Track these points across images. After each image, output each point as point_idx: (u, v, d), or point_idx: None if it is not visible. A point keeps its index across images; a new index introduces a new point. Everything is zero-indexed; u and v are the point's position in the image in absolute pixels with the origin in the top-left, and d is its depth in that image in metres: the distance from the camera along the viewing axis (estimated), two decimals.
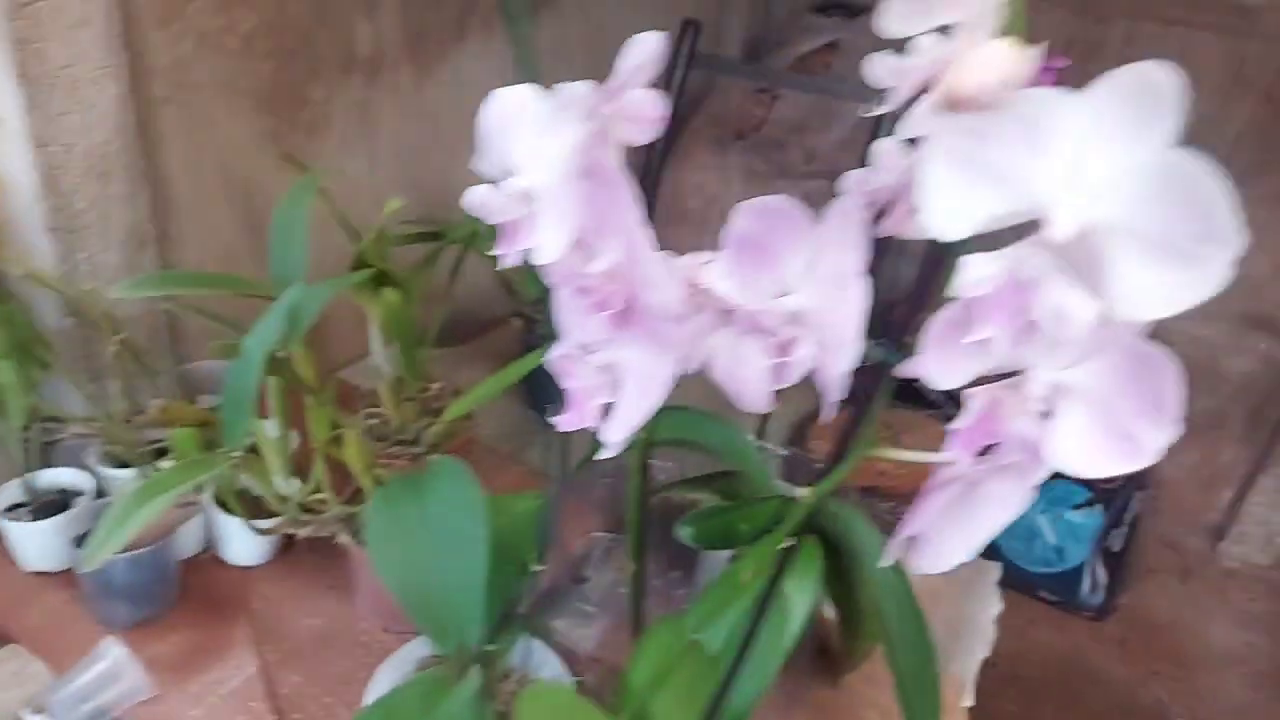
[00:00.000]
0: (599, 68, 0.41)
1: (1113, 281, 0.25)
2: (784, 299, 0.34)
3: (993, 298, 0.26)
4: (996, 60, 0.23)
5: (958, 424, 0.30)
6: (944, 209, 0.25)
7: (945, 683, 0.95)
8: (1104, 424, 0.28)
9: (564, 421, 0.42)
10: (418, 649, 0.76)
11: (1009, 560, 1.68)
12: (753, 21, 1.88)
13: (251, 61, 1.05)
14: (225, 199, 1.06)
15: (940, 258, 0.27)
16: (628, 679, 0.58)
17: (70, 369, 0.89)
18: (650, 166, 1.62)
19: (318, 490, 0.81)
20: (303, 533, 0.80)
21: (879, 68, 0.33)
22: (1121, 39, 1.64)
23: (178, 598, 0.86)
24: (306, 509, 0.83)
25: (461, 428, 0.91)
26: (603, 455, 0.42)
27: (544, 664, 0.75)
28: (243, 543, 0.87)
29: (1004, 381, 0.30)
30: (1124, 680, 1.53)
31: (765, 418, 0.80)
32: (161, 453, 0.87)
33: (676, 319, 0.37)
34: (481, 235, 0.99)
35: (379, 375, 0.89)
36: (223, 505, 0.85)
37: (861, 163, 0.38)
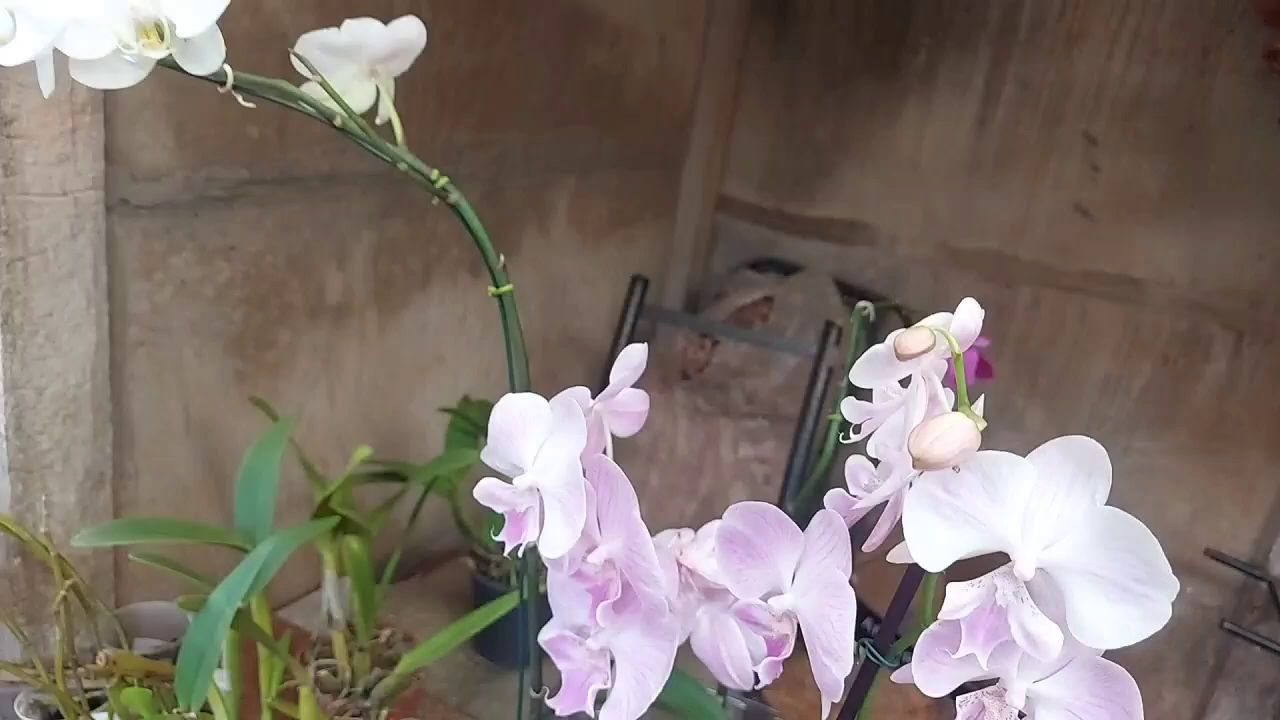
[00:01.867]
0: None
1: (1074, 613, 0.29)
2: (779, 598, 0.37)
3: (974, 620, 0.30)
4: (955, 433, 0.28)
5: None
6: (925, 545, 0.30)
7: None
8: None
9: (562, 704, 0.43)
10: None
11: None
12: (693, 276, 2.04)
13: (224, 308, 1.10)
14: (186, 437, 1.07)
15: (918, 576, 0.31)
16: None
17: (9, 612, 0.85)
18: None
19: None
20: None
21: (849, 408, 0.39)
22: (1027, 303, 1.82)
23: None
24: None
25: (411, 679, 0.89)
26: None
27: None
28: None
29: (988, 689, 0.33)
30: None
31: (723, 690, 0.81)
32: (95, 703, 0.82)
33: (673, 609, 0.40)
34: (442, 478, 1.01)
35: (330, 623, 0.87)
36: None
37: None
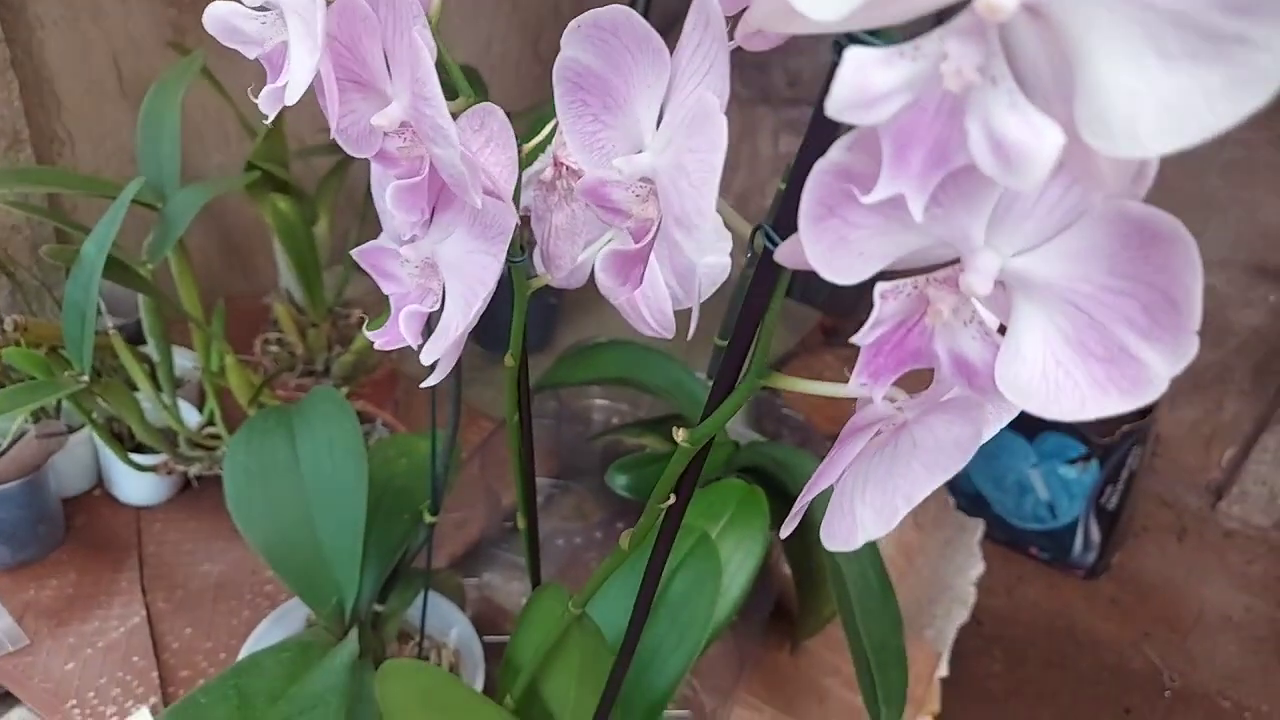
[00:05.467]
0: None
1: (1090, 87, 0.14)
2: (629, 160, 0.23)
3: (900, 125, 0.16)
4: None
5: (864, 336, 0.20)
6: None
7: (917, 650, 0.87)
8: (1084, 337, 0.18)
9: (380, 338, 0.32)
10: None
11: (999, 515, 1.59)
12: None
13: None
14: (121, 95, 0.94)
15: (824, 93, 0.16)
16: (510, 654, 0.49)
17: None
18: None
19: (211, 423, 0.72)
20: (191, 470, 0.71)
21: None
22: None
23: (63, 538, 0.78)
24: (198, 444, 0.74)
25: (381, 359, 0.81)
26: (429, 382, 0.32)
27: (451, 624, 0.66)
28: (135, 480, 0.78)
29: (934, 274, 0.19)
30: (1115, 642, 1.45)
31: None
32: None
33: (495, 188, 0.27)
34: None
35: (279, 299, 0.78)
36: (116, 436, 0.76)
37: None
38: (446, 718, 0.41)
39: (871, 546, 0.67)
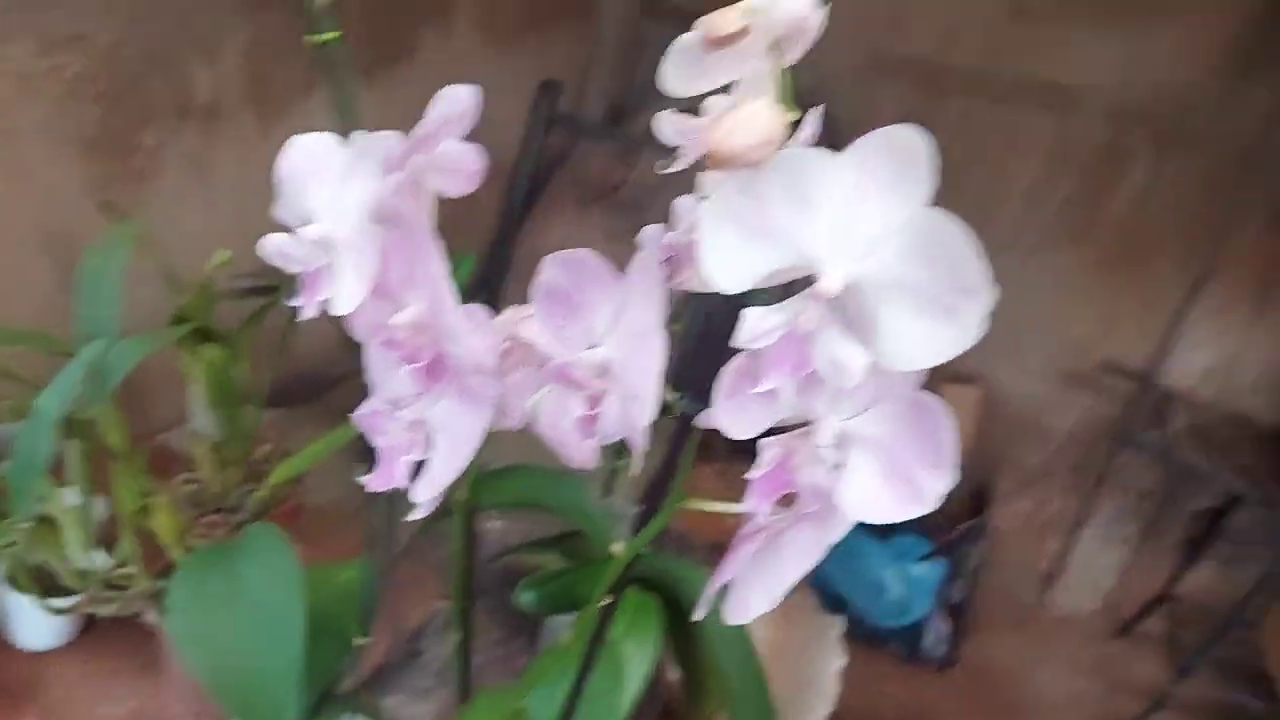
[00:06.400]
0: None
1: (882, 333, 0.25)
2: (591, 351, 0.33)
3: (776, 349, 0.27)
4: (755, 120, 0.24)
5: (754, 473, 0.30)
6: (721, 264, 0.26)
7: None
8: (888, 471, 0.29)
9: (373, 482, 0.40)
10: None
11: (859, 615, 1.71)
12: (616, 87, 1.93)
13: (76, 107, 0.99)
14: (43, 252, 0.99)
15: (734, 310, 0.27)
16: None
17: None
18: (508, 225, 1.62)
19: (124, 564, 0.75)
20: (105, 611, 0.73)
21: (666, 126, 0.34)
22: (957, 113, 1.77)
23: None
24: (111, 585, 0.76)
25: (289, 493, 0.86)
26: (414, 516, 0.40)
27: None
28: (36, 625, 0.79)
29: (796, 431, 0.30)
30: None
31: (613, 474, 0.80)
32: None
33: (486, 372, 0.36)
34: None
35: (198, 439, 0.83)
36: (13, 583, 0.77)
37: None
38: None
39: (746, 643, 0.76)
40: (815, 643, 1.08)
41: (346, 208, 0.35)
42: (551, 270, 0.34)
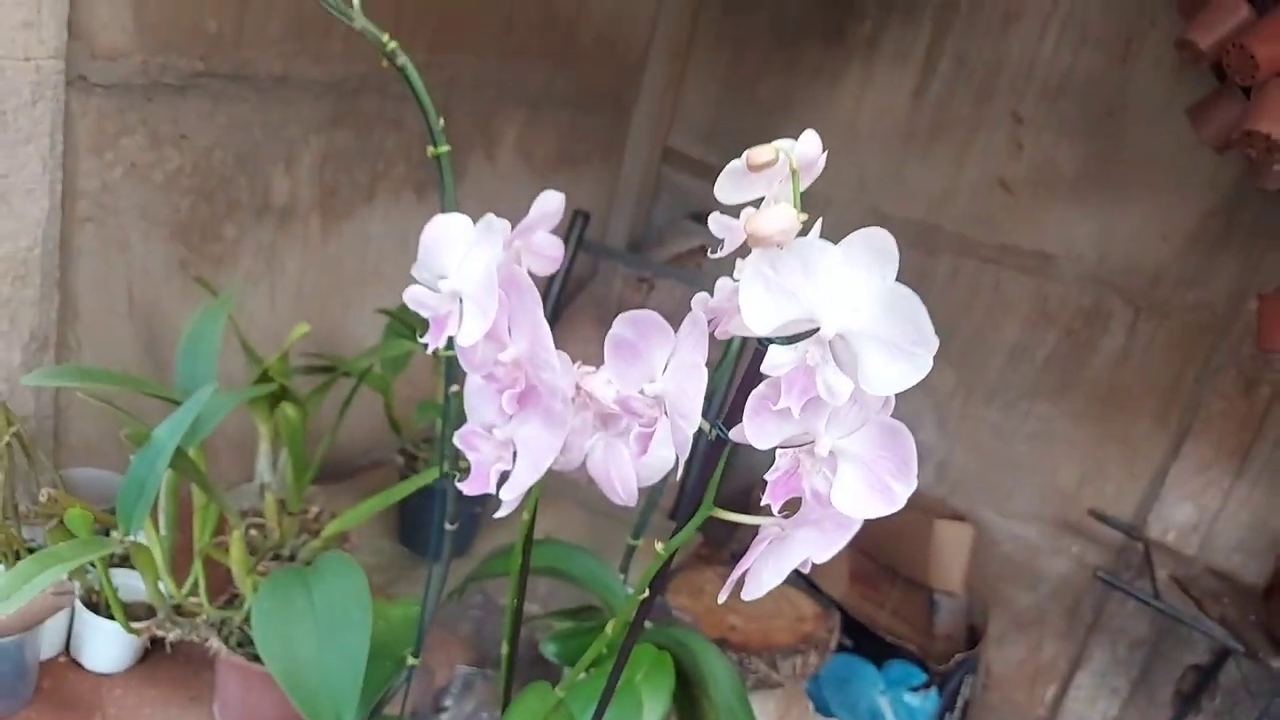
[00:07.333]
0: None
1: (862, 368, 0.37)
2: (650, 385, 0.44)
3: (789, 378, 0.38)
4: (781, 216, 0.36)
5: (771, 476, 0.41)
6: (754, 312, 0.37)
7: None
8: (867, 478, 0.40)
9: (469, 486, 0.50)
10: None
11: None
12: (635, 222, 2.12)
13: (172, 196, 1.14)
14: (128, 317, 1.12)
15: (758, 356, 0.38)
16: None
17: None
18: None
19: (193, 593, 0.84)
20: (172, 635, 0.81)
21: (715, 224, 0.46)
22: (947, 272, 1.93)
23: (31, 699, 0.85)
24: (179, 611, 0.85)
25: (338, 544, 0.96)
26: (500, 514, 0.50)
27: None
28: (104, 647, 0.87)
29: (803, 447, 0.41)
30: None
31: (629, 558, 0.89)
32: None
33: (566, 400, 0.47)
34: (376, 375, 1.07)
35: (264, 490, 0.93)
36: (92, 605, 0.86)
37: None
38: None
39: (748, 717, 0.83)
40: None
41: (473, 269, 0.46)
42: (621, 326, 0.46)
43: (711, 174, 0.43)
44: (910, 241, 1.93)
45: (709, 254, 0.47)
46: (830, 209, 1.97)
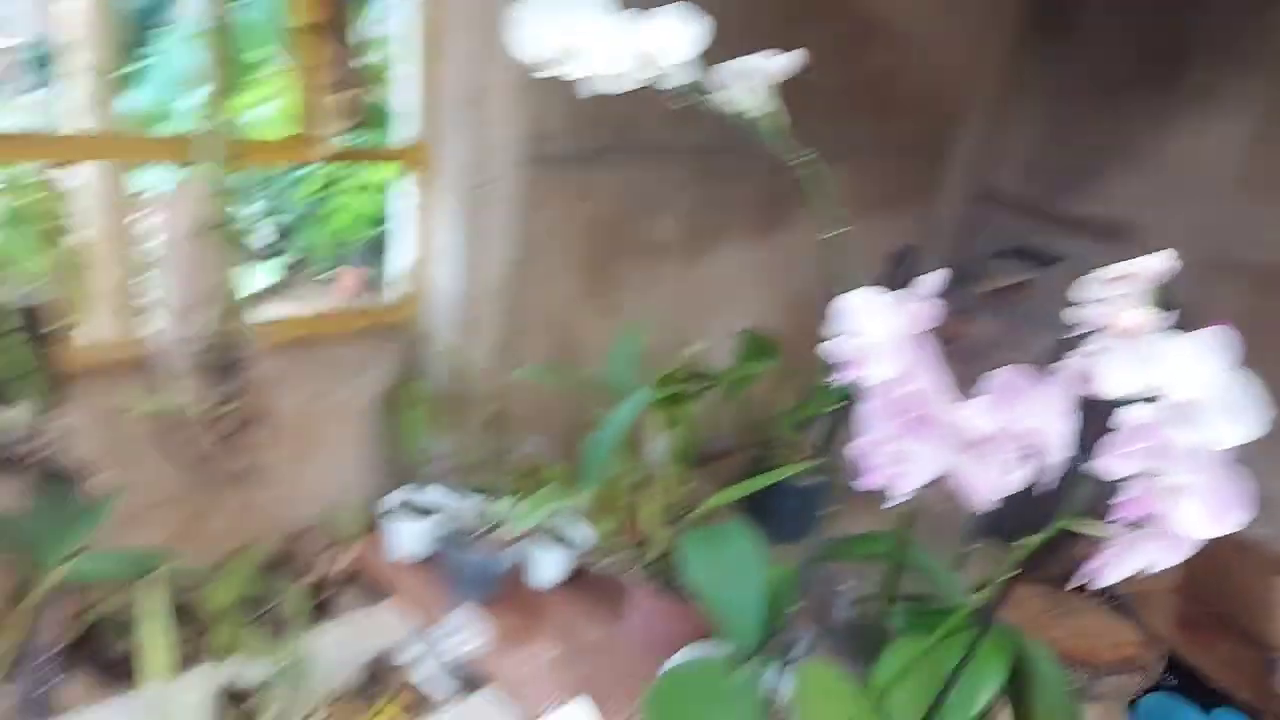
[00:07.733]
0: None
1: (1202, 426, 0.51)
2: (1026, 420, 0.61)
3: (1145, 429, 0.53)
4: (1138, 316, 0.51)
5: (1123, 497, 0.56)
6: (1114, 382, 0.53)
7: None
8: (1205, 507, 0.53)
9: (862, 483, 0.69)
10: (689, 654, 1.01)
11: None
12: (950, 258, 2.20)
13: (582, 241, 1.44)
14: (545, 331, 1.43)
15: (1109, 409, 0.54)
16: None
17: (447, 422, 1.26)
18: None
19: (616, 533, 1.11)
20: (600, 565, 1.09)
21: (1071, 315, 0.61)
22: None
23: (495, 599, 1.17)
24: (602, 549, 1.13)
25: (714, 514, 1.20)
26: (888, 505, 0.69)
27: None
28: (546, 569, 1.18)
29: (1153, 478, 0.55)
30: None
31: (964, 557, 1.02)
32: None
33: (950, 430, 0.65)
34: (732, 385, 1.30)
35: (667, 467, 1.19)
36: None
37: None
38: (839, 704, 0.75)
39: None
40: None
41: (887, 328, 0.65)
42: (1006, 374, 0.63)
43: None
44: (1254, 285, 1.87)
45: (1063, 335, 0.63)
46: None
